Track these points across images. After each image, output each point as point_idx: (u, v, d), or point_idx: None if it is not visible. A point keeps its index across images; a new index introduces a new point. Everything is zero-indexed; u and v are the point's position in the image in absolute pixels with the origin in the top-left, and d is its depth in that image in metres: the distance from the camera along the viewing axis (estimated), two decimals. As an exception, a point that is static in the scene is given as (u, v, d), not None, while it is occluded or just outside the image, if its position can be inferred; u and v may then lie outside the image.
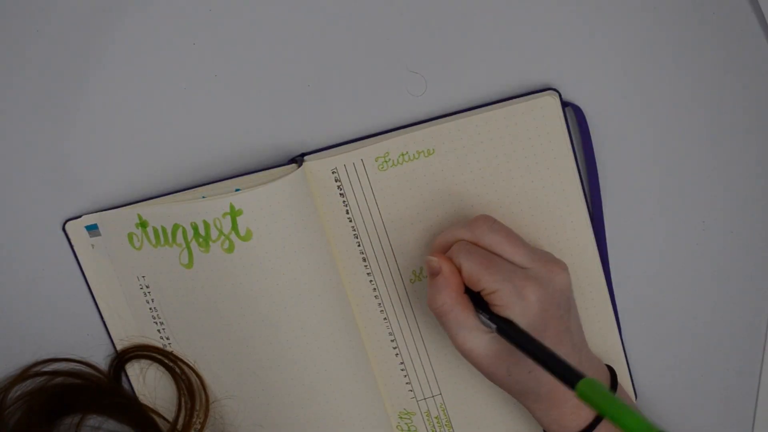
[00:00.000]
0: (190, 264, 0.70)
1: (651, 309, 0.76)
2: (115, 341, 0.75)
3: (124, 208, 0.71)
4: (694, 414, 0.78)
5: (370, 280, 0.73)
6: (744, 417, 0.78)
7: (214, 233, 0.69)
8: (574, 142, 0.71)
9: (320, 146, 0.71)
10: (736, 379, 0.77)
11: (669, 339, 0.76)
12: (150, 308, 0.73)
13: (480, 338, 0.65)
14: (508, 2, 0.69)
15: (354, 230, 0.72)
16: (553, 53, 0.70)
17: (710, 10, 0.69)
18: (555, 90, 0.70)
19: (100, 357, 0.75)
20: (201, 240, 0.69)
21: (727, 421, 0.78)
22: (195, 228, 0.69)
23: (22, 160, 0.72)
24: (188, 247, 0.70)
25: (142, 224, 0.70)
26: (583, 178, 0.72)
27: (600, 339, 0.75)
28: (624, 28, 0.70)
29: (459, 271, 0.65)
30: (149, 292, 0.73)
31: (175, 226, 0.69)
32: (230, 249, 0.69)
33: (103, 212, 0.72)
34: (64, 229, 0.72)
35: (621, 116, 0.71)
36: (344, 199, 0.71)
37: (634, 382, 0.76)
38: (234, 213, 0.68)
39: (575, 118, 0.71)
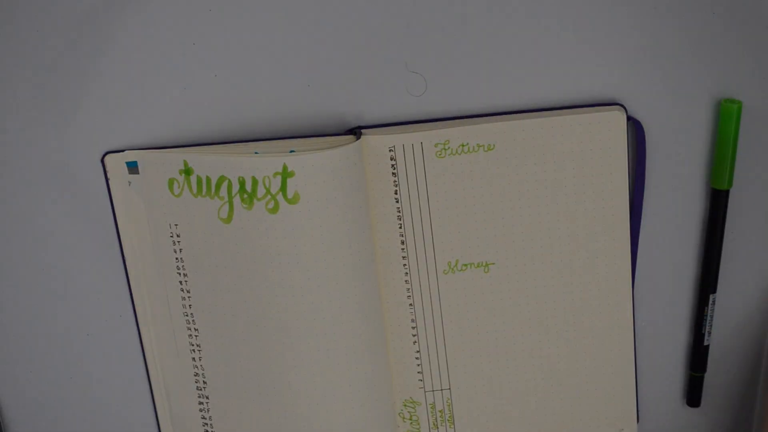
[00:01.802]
0: (228, 219, 0.69)
1: (647, 308, 0.76)
2: (132, 285, 0.73)
3: (171, 150, 0.69)
4: (694, 414, 0.79)
5: (404, 264, 0.73)
6: (744, 417, 0.80)
7: (260, 191, 0.67)
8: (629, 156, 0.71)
9: (378, 122, 0.70)
10: (737, 379, 0.78)
11: (669, 339, 0.77)
12: (176, 258, 0.71)
13: None
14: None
15: (399, 212, 0.71)
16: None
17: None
18: (621, 105, 0.70)
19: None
20: (245, 196, 0.68)
21: (727, 422, 0.80)
22: (242, 183, 0.67)
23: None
24: (230, 202, 0.68)
25: (187, 171, 0.68)
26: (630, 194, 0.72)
27: (614, 358, 0.76)
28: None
29: None
30: (179, 242, 0.71)
31: (221, 178, 0.68)
32: (275, 209, 0.68)
33: (148, 151, 0.69)
34: (102, 161, 0.70)
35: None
36: (396, 179, 0.71)
37: (637, 382, 0.77)
38: (286, 174, 0.67)
39: (634, 133, 0.71)
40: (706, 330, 0.76)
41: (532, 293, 0.74)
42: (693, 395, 0.78)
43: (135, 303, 0.74)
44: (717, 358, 0.77)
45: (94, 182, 0.71)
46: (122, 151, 0.70)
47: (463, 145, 0.70)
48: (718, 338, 0.77)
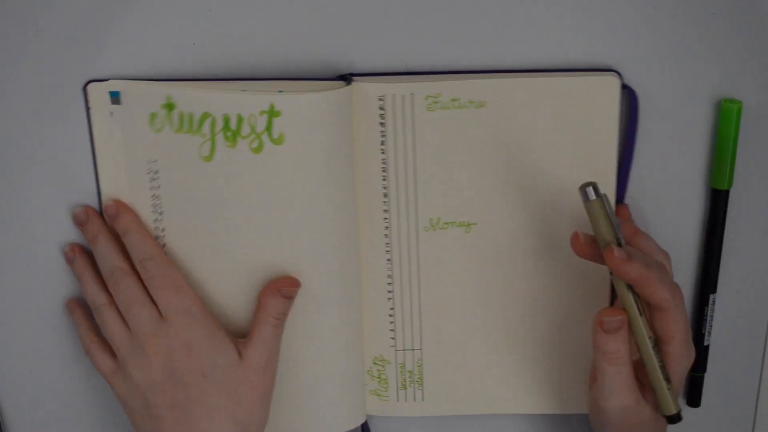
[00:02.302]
0: (210, 156, 0.68)
1: None
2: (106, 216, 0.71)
3: (155, 83, 0.68)
4: (694, 414, 0.79)
5: (385, 218, 0.71)
6: (744, 417, 0.79)
7: (245, 129, 0.66)
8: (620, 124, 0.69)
9: (369, 71, 0.69)
10: (737, 379, 0.78)
11: None
12: (153, 195, 0.70)
13: (638, 400, 0.66)
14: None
15: (384, 163, 0.70)
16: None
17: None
18: (617, 72, 0.68)
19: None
20: (229, 134, 0.67)
21: (727, 422, 0.79)
22: (226, 120, 0.66)
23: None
24: (213, 139, 0.67)
25: (169, 106, 0.67)
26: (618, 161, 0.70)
27: None
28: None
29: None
30: (156, 178, 0.70)
31: (205, 115, 0.67)
32: (258, 149, 0.67)
33: (131, 81, 0.68)
34: (85, 90, 0.68)
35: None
36: (383, 129, 0.69)
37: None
38: (272, 113, 0.66)
39: (627, 101, 0.69)
40: (706, 330, 0.75)
41: (513, 257, 0.72)
42: (693, 395, 0.78)
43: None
44: (717, 358, 0.77)
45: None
46: (106, 80, 0.69)
47: (454, 100, 0.68)
48: (718, 338, 0.76)
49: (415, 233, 0.72)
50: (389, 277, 0.73)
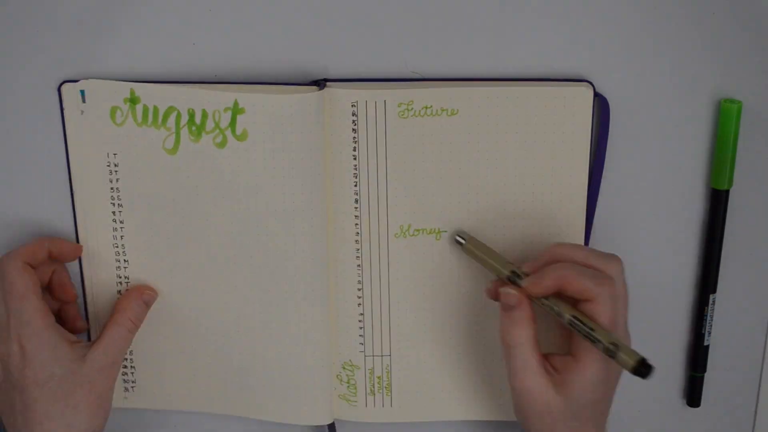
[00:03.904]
0: (174, 150, 0.69)
1: (647, 308, 0.75)
2: (77, 210, 0.72)
3: (117, 81, 0.69)
4: (694, 414, 0.78)
5: (356, 223, 0.71)
6: (744, 417, 0.79)
7: (209, 125, 0.67)
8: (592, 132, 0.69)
9: (344, 77, 0.69)
10: (737, 379, 0.77)
11: (669, 339, 0.76)
12: (111, 188, 0.71)
13: (539, 382, 0.65)
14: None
15: (355, 169, 0.70)
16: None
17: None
18: (589, 82, 0.68)
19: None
20: (194, 128, 0.68)
21: (727, 422, 0.79)
22: (191, 114, 0.68)
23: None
24: (177, 133, 0.68)
25: (132, 100, 0.68)
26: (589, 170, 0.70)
27: None
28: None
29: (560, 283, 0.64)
30: (116, 171, 0.71)
31: (170, 109, 0.68)
32: (222, 144, 0.68)
33: (91, 80, 0.69)
34: (59, 90, 0.69)
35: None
36: (355, 135, 0.69)
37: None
38: (236, 110, 0.67)
39: (599, 109, 0.69)
40: (706, 330, 0.75)
41: (482, 267, 0.72)
42: (693, 395, 0.78)
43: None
44: (717, 358, 0.77)
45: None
46: (79, 80, 0.70)
47: (426, 107, 0.68)
48: (718, 338, 0.76)
49: (386, 239, 0.72)
50: (359, 282, 0.73)
